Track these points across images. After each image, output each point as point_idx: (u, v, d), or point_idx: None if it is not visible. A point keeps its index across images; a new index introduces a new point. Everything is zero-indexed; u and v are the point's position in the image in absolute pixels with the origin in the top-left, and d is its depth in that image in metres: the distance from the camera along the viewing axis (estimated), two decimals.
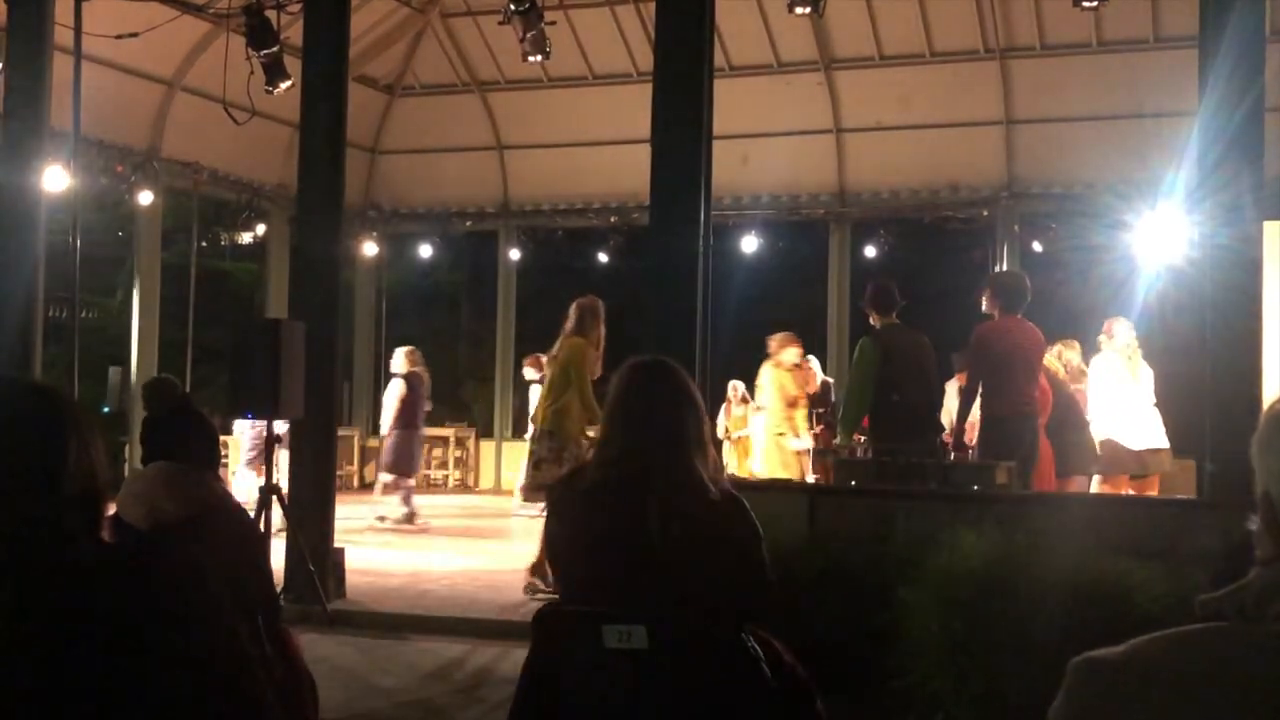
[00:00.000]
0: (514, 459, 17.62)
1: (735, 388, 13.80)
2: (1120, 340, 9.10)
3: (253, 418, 8.91)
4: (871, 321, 8.30)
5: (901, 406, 7.82)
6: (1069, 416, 9.00)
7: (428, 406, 13.38)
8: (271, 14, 12.00)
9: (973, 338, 8.18)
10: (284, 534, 8.38)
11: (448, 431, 18.28)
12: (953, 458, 8.04)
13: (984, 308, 8.24)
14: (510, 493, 16.26)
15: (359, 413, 18.28)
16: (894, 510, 6.54)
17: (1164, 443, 9.06)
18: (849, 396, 8.30)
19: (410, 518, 12.64)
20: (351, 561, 9.08)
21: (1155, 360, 9.71)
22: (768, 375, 11.77)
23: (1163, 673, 1.35)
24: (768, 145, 15.71)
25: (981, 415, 8.03)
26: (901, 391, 7.82)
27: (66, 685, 1.58)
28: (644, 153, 7.74)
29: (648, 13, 13.76)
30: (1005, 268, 15.51)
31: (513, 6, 12.00)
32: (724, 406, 13.62)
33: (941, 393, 8.72)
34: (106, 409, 14.58)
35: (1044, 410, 8.45)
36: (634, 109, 11.26)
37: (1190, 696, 1.32)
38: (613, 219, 17.27)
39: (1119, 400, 8.96)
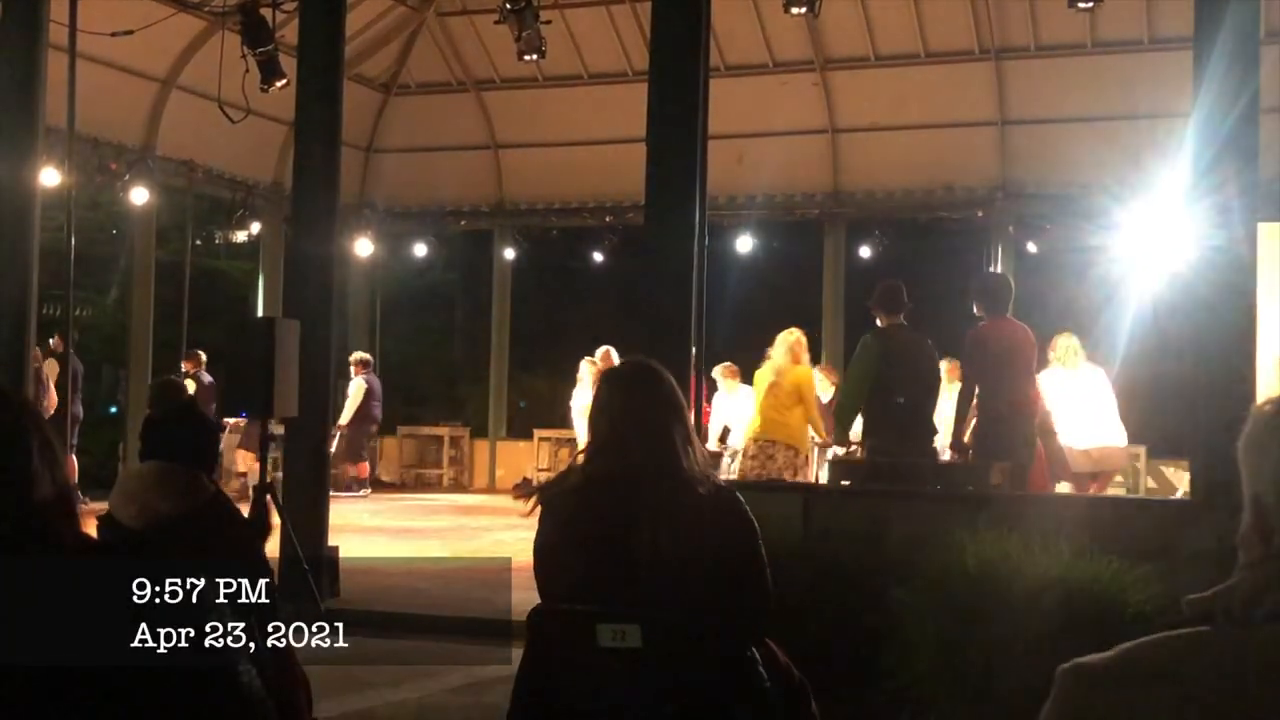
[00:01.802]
0: (508, 458, 17.65)
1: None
2: (1059, 352, 9.60)
3: (247, 416, 8.92)
4: (877, 322, 8.24)
5: (900, 408, 7.84)
6: (1046, 423, 9.05)
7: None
8: (267, 12, 12.00)
9: (967, 339, 8.20)
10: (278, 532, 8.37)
11: (442, 430, 18.27)
12: (950, 459, 8.08)
13: (975, 312, 8.29)
14: (504, 492, 16.28)
15: None
16: (889, 511, 6.54)
17: (1113, 441, 9.44)
18: (844, 392, 8.36)
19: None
20: (346, 560, 9.06)
21: (1143, 361, 10.04)
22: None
23: (1150, 678, 1.35)
24: (763, 145, 15.71)
25: (979, 414, 8.04)
26: (901, 393, 7.84)
27: (60, 687, 1.57)
28: (639, 152, 7.74)
29: (643, 12, 13.77)
30: (999, 268, 15.54)
31: (508, 5, 12.01)
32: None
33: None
34: (114, 409, 14.57)
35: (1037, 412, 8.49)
36: (629, 108, 11.27)
37: (1178, 701, 1.32)
38: (608, 218, 17.27)
39: (1064, 408, 9.26)
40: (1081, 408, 9.34)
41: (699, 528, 3.22)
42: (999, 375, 7.91)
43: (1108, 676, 1.37)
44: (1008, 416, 7.89)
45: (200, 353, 14.67)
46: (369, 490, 16.25)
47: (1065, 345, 9.72)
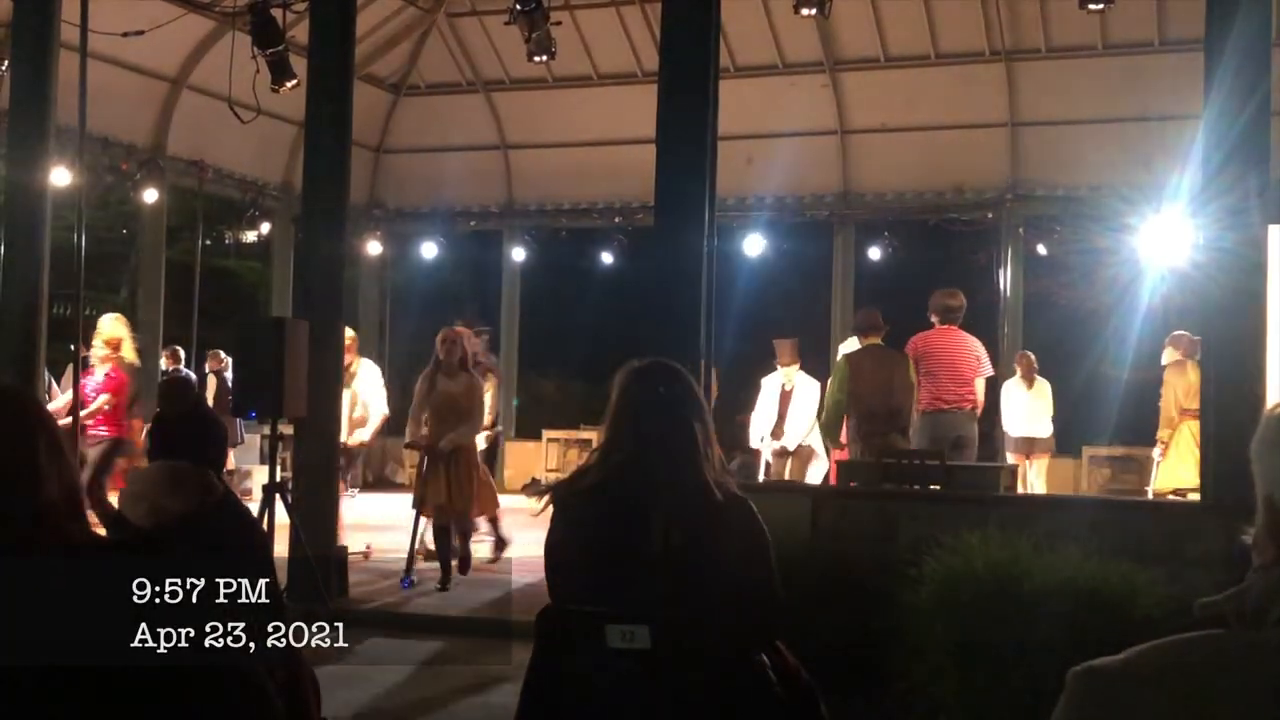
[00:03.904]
0: (516, 459, 17.63)
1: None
2: (1020, 373, 13.15)
3: (255, 417, 8.92)
4: (857, 342, 9.71)
5: (868, 415, 9.07)
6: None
7: None
8: (277, 12, 12.01)
9: (910, 344, 9.48)
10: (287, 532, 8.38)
11: None
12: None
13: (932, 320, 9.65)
14: (514, 491, 16.26)
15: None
16: (897, 512, 6.54)
17: (1039, 434, 12.92)
18: (825, 406, 9.59)
19: None
20: (355, 560, 9.09)
21: (1153, 363, 11.26)
22: None
23: (1163, 681, 1.34)
24: (772, 146, 15.70)
25: (922, 408, 9.35)
26: (867, 402, 9.07)
27: (70, 681, 1.58)
28: (648, 153, 7.73)
29: (653, 13, 13.76)
30: (1009, 270, 15.59)
31: (518, 6, 12.01)
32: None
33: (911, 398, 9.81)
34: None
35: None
36: (639, 109, 11.26)
37: (1191, 704, 1.31)
38: (617, 219, 17.27)
39: (1011, 407, 12.93)
40: (1024, 409, 12.92)
41: (711, 533, 3.21)
42: (934, 375, 9.26)
43: (1120, 680, 1.37)
44: (935, 410, 9.21)
45: (221, 351, 14.70)
46: (355, 491, 16.18)
47: (1026, 362, 13.16)
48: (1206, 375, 6.98)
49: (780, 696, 3.25)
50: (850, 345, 10.37)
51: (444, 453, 9.09)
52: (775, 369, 11.77)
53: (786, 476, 11.35)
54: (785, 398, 11.62)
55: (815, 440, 11.49)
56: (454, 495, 9.10)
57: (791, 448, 11.50)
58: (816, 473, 11.47)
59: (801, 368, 11.70)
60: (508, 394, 18.04)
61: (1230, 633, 1.38)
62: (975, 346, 9.62)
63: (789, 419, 11.53)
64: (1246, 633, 1.36)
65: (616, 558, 3.21)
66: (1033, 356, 13.35)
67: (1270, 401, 6.16)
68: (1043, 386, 13.18)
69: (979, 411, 9.70)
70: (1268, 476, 1.44)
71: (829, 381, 9.87)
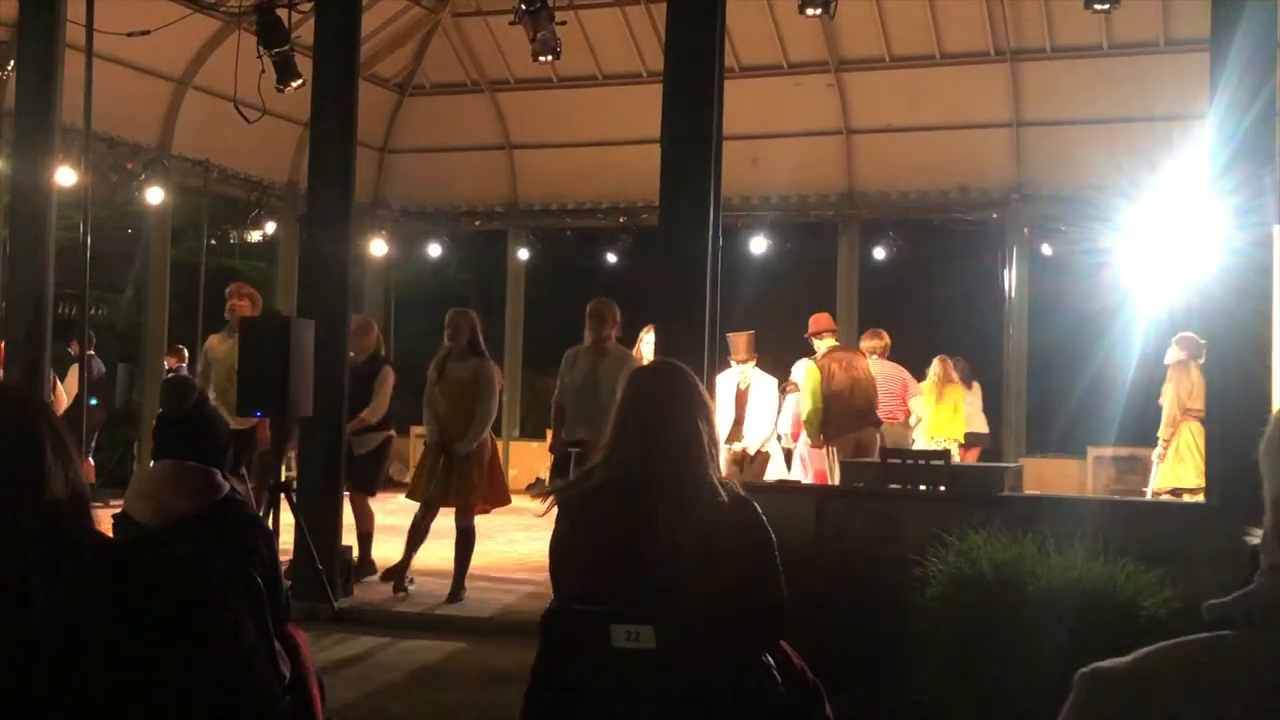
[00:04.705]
0: (521, 458, 17.63)
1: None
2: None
3: (261, 416, 8.91)
4: (816, 345, 10.41)
5: (842, 410, 9.89)
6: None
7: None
8: (283, 12, 12.02)
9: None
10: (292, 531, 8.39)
11: None
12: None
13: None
14: (519, 491, 16.24)
15: None
16: (901, 512, 6.53)
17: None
18: (806, 418, 10.16)
19: None
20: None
21: (1157, 364, 11.43)
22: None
23: (1170, 684, 1.34)
24: (777, 146, 15.71)
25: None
26: (841, 402, 9.91)
27: (76, 682, 1.58)
28: (653, 153, 7.73)
29: (658, 13, 13.76)
30: (1014, 270, 15.62)
31: (523, 6, 12.00)
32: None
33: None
34: (94, 401, 14.60)
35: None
36: (643, 109, 11.26)
37: (1198, 707, 1.31)
38: (621, 219, 17.27)
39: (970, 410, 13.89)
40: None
41: (716, 533, 3.21)
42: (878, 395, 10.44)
43: (1127, 681, 1.37)
44: (884, 422, 10.49)
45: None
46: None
47: (959, 367, 13.70)
48: (1212, 375, 6.97)
49: (785, 696, 3.25)
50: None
51: (459, 455, 8.85)
52: (730, 365, 10.46)
53: None
54: (741, 397, 10.51)
55: (773, 444, 10.78)
56: (454, 486, 8.85)
57: (752, 451, 10.50)
58: (773, 478, 10.43)
59: (758, 364, 10.66)
60: (512, 394, 18.06)
61: (1238, 634, 1.37)
62: (901, 373, 11.34)
63: (748, 421, 10.51)
64: (1254, 634, 1.36)
65: (621, 557, 3.22)
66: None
67: (1277, 402, 6.15)
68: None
69: (913, 423, 11.74)
70: (1276, 477, 1.44)
71: (801, 391, 10.34)
